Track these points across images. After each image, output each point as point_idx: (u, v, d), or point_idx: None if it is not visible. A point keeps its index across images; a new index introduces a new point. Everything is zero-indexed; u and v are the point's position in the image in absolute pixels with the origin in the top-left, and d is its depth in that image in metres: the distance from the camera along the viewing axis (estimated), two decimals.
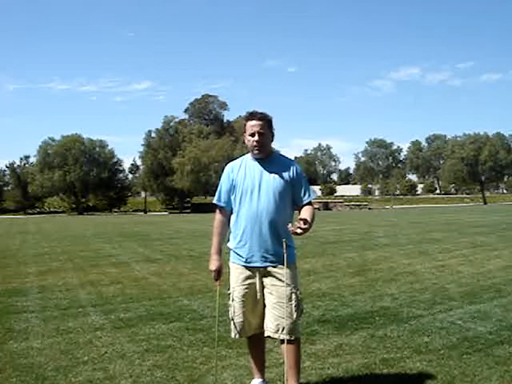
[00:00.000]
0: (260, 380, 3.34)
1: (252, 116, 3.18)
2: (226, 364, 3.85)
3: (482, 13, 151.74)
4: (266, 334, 3.18)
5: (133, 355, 4.10)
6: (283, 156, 3.32)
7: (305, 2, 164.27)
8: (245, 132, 3.22)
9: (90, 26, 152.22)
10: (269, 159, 3.21)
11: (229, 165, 3.36)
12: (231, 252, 3.28)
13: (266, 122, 3.18)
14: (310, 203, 3.22)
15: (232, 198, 3.24)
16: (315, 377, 3.58)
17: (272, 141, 3.25)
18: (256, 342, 3.33)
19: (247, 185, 3.17)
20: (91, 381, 3.57)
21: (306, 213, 3.13)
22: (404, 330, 4.65)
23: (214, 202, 3.32)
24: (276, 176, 3.15)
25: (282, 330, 3.07)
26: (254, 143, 3.14)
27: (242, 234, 3.18)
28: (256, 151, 3.17)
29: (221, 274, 3.27)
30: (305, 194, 3.21)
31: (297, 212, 3.26)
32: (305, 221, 2.98)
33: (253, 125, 3.15)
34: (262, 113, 3.20)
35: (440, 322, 4.93)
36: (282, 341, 3.08)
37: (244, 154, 3.36)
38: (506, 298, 5.97)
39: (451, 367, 3.68)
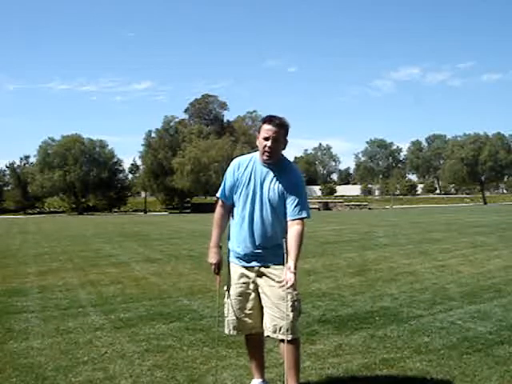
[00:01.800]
0: (260, 380, 3.34)
1: (270, 120, 3.10)
2: (225, 364, 3.85)
3: (482, 13, 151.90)
4: (265, 334, 3.18)
5: (133, 355, 4.10)
6: (291, 165, 3.24)
7: (305, 2, 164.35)
8: (259, 133, 3.15)
9: (90, 26, 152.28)
10: (276, 167, 3.15)
11: (236, 159, 3.30)
12: (230, 252, 3.29)
13: (283, 129, 3.11)
14: (301, 220, 3.07)
15: (234, 197, 3.24)
16: (315, 377, 3.58)
17: (284, 148, 3.17)
18: (256, 342, 3.34)
19: (249, 189, 3.16)
20: (91, 381, 3.57)
21: (291, 251, 2.98)
22: (404, 330, 4.65)
23: (217, 195, 3.31)
24: (277, 185, 3.12)
25: (280, 330, 3.07)
26: (266, 148, 3.07)
27: (238, 236, 3.20)
28: (266, 157, 3.10)
29: (220, 267, 3.25)
30: (298, 210, 3.07)
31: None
32: (289, 268, 2.89)
33: (269, 129, 3.07)
34: (281, 119, 3.12)
35: (440, 322, 4.94)
36: (281, 341, 3.08)
37: (255, 151, 3.26)
38: (506, 298, 5.97)
39: (451, 367, 3.68)
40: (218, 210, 3.31)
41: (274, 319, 3.09)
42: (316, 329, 4.76)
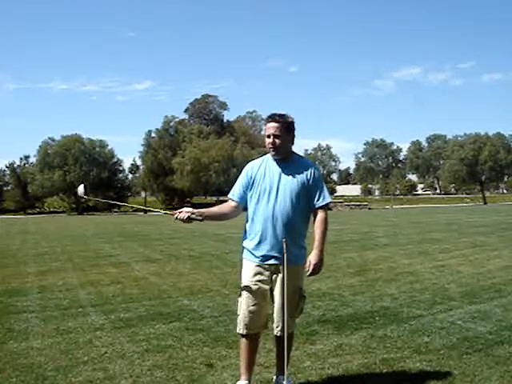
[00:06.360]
0: (246, 382, 3.29)
1: (271, 118, 3.24)
2: (225, 364, 3.85)
3: (483, 13, 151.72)
4: (274, 332, 3.27)
5: (133, 355, 4.10)
6: (303, 158, 3.39)
7: (306, 2, 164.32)
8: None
9: (90, 26, 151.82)
10: (288, 161, 3.26)
11: (249, 163, 3.41)
12: (244, 249, 3.32)
13: (284, 124, 3.21)
14: (323, 208, 3.23)
15: (249, 195, 3.28)
16: (315, 377, 3.58)
17: (292, 143, 3.29)
18: (255, 342, 3.35)
19: (265, 184, 3.22)
20: (91, 381, 3.57)
21: (315, 240, 3.18)
22: (404, 330, 4.65)
23: (228, 196, 3.35)
24: (294, 178, 3.20)
25: (283, 326, 3.16)
26: (269, 145, 3.22)
27: (257, 233, 3.22)
28: (272, 152, 3.24)
29: (186, 217, 3.12)
30: (319, 198, 3.23)
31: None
32: (310, 263, 3.12)
33: (269, 127, 3.23)
34: (281, 115, 3.24)
35: (440, 322, 4.94)
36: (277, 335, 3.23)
37: (265, 154, 3.40)
38: (506, 297, 5.97)
39: (451, 367, 3.68)
40: (226, 203, 3.36)
41: (281, 316, 3.17)
42: (316, 329, 4.76)
